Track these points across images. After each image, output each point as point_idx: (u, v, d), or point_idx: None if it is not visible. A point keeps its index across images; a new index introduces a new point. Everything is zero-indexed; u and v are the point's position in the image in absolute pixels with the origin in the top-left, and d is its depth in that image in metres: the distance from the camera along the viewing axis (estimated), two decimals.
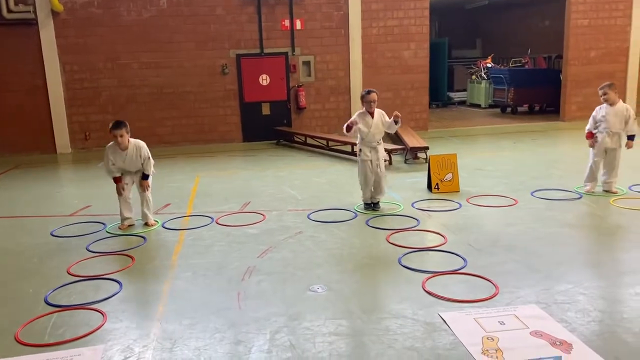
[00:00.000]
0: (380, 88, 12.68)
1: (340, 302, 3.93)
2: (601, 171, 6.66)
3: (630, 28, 13.39)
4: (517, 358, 3.07)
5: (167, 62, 11.93)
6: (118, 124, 5.68)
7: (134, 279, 4.57)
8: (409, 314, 3.69)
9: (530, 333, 3.35)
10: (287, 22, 12.12)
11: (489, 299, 3.85)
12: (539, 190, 6.83)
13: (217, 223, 6.04)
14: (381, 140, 6.23)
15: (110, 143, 5.77)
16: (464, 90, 19.29)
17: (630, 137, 6.52)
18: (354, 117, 6.13)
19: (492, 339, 3.29)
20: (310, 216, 6.15)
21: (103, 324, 3.70)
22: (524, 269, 4.38)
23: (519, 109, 16.05)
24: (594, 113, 6.63)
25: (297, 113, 12.65)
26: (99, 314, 3.86)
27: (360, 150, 6.21)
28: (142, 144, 5.83)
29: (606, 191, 6.58)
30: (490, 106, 17.11)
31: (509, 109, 16.05)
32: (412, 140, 9.69)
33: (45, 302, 4.09)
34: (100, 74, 11.76)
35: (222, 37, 12.01)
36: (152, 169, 5.97)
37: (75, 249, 5.35)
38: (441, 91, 18.64)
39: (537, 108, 16.17)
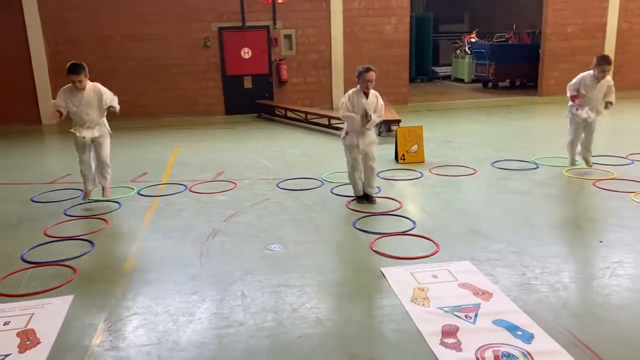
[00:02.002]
0: (361, 62, 12.78)
1: (294, 259, 4.28)
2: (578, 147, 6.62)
3: (608, 4, 13.59)
4: (442, 305, 3.44)
5: (151, 35, 12.08)
6: (75, 68, 5.31)
7: (106, 240, 4.89)
8: (354, 269, 4.06)
9: (457, 285, 3.72)
10: None
11: (429, 256, 4.22)
12: (500, 160, 7.17)
13: (190, 191, 6.35)
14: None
15: (67, 85, 5.52)
16: (449, 64, 19.49)
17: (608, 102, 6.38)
18: (345, 99, 5.37)
19: (422, 289, 3.66)
20: (279, 184, 6.47)
21: (73, 278, 4.04)
22: (465, 231, 4.74)
23: (500, 84, 16.31)
24: (578, 82, 6.27)
25: (279, 86, 12.87)
26: (71, 269, 4.19)
27: (347, 133, 5.42)
28: (101, 86, 5.55)
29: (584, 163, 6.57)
30: (473, 81, 17.35)
31: (490, 84, 16.31)
32: (387, 113, 9.93)
33: (21, 259, 4.42)
34: (84, 46, 11.88)
35: (204, 10, 12.14)
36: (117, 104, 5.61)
37: (53, 213, 5.65)
38: (426, 65, 18.82)
39: (517, 83, 16.42)
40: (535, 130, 9.93)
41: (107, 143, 5.80)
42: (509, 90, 15.78)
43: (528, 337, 3.05)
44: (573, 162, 6.71)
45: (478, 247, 4.37)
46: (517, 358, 2.88)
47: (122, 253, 4.59)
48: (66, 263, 4.31)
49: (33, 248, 4.65)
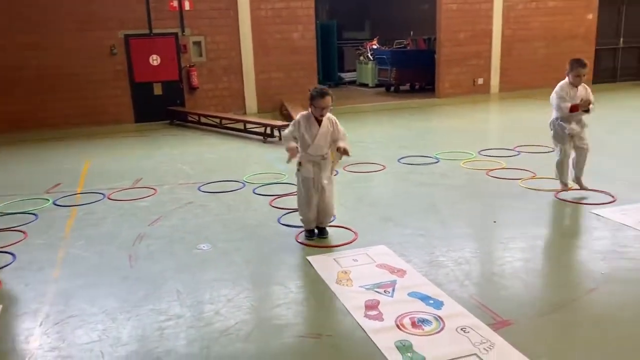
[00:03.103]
0: (271, 68, 13.31)
1: (224, 256, 4.49)
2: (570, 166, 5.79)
3: (493, 12, 14.95)
4: (363, 284, 3.84)
5: (48, 43, 11.59)
6: None
7: (28, 251, 4.80)
8: (282, 260, 4.35)
9: (375, 266, 4.14)
10: (175, 3, 12.23)
11: (349, 243, 4.61)
12: (405, 157, 7.79)
13: (108, 198, 6.32)
14: (328, 154, 4.72)
15: None
16: (354, 70, 20.36)
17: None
18: (292, 125, 4.70)
19: (345, 272, 4.04)
20: (201, 188, 6.62)
21: None
22: (379, 220, 5.21)
23: (402, 87, 17.34)
24: (563, 94, 5.44)
25: (190, 93, 12.86)
26: None
27: (300, 164, 4.69)
28: None
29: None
30: (377, 85, 18.27)
31: (392, 88, 17.28)
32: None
33: None
34: None
35: (108, 17, 11.88)
36: None
37: None
38: (332, 71, 19.51)
39: (417, 86, 17.54)
40: (435, 129, 10.79)
41: None
42: (409, 94, 16.82)
43: (438, 305, 3.52)
44: (565, 184, 5.77)
45: (391, 232, 4.85)
46: (431, 322, 3.32)
47: (47, 262, 4.53)
48: None
49: None
